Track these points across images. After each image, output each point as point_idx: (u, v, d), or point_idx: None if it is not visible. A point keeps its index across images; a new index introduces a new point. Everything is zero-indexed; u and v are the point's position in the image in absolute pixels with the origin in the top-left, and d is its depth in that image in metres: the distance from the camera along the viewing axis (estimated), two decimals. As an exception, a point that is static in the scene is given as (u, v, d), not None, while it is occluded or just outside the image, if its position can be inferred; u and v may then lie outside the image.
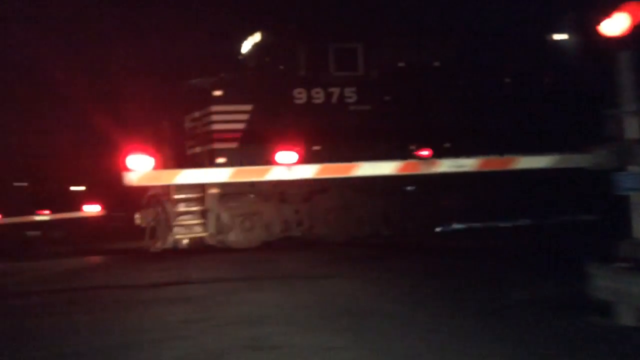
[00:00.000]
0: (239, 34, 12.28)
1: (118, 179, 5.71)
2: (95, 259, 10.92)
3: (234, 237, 10.66)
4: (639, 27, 4.41)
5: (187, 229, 10.53)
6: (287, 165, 5.52)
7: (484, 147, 6.33)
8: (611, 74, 4.68)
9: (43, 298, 6.65)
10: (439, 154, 8.58)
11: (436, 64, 11.68)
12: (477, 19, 12.32)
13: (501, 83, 12.05)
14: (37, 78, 17.20)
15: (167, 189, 10.26)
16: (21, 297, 6.70)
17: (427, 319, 4.92)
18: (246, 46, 12.08)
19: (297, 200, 10.95)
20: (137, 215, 11.01)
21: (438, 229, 11.72)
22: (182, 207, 10.48)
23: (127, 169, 5.45)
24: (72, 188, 19.60)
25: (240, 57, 12.32)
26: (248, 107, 10.74)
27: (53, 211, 15.81)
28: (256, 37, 11.68)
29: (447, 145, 10.77)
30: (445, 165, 5.54)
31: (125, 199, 12.88)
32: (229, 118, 10.75)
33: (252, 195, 10.85)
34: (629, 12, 4.42)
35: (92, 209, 16.03)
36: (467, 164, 5.63)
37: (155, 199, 10.77)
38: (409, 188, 11.23)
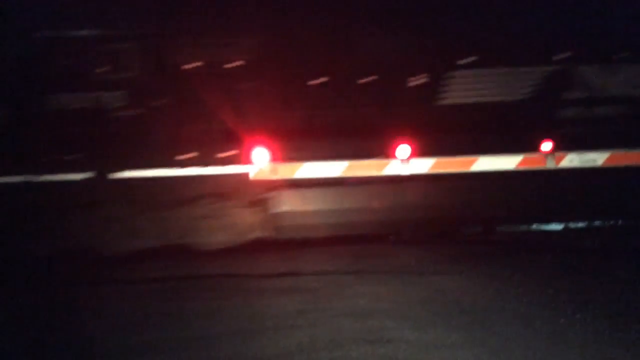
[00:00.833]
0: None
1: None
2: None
3: None
4: None
5: None
6: (404, 160, 5.48)
7: None
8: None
9: (166, 284, 7.07)
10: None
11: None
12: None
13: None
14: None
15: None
16: (147, 283, 7.16)
17: (549, 319, 4.72)
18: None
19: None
20: None
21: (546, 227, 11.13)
22: None
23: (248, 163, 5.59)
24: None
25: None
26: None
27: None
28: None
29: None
30: (573, 161, 5.25)
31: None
32: None
33: None
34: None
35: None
36: (596, 158, 5.31)
37: None
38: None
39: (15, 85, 8.56)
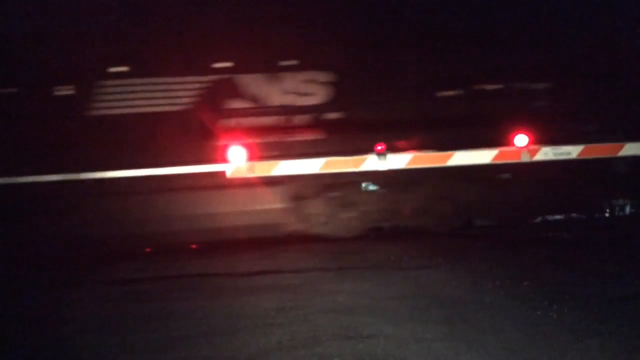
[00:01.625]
0: None
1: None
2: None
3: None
4: None
5: None
6: (381, 155, 5.51)
7: None
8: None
9: (142, 285, 7.00)
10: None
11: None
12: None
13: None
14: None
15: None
16: (123, 284, 7.08)
17: (526, 312, 4.77)
18: None
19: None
20: None
21: (537, 220, 11.29)
22: None
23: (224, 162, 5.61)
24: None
25: None
26: None
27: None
28: None
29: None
30: (547, 153, 5.33)
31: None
32: None
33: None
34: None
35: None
36: (570, 150, 5.38)
37: None
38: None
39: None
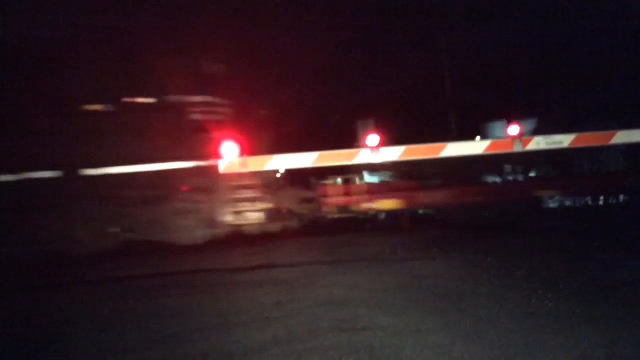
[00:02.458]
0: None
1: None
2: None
3: None
4: None
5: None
6: (373, 148, 5.51)
7: None
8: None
9: (140, 282, 6.98)
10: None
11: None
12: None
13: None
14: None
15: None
16: (117, 282, 7.06)
17: (520, 300, 4.79)
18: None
19: None
20: None
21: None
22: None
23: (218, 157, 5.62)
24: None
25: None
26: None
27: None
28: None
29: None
30: (539, 143, 5.34)
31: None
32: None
33: None
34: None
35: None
36: (562, 140, 5.40)
37: None
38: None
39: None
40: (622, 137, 5.64)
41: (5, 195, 9.18)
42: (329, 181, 11.86)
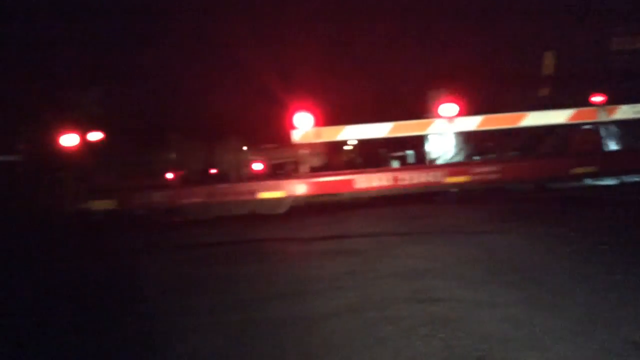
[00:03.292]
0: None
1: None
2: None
3: None
4: None
5: None
6: (449, 118, 5.37)
7: None
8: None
9: (213, 249, 7.20)
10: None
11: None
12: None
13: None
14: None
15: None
16: (195, 248, 7.30)
17: (604, 276, 4.60)
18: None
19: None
20: None
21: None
22: None
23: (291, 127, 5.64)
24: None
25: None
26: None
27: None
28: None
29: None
30: (625, 112, 5.06)
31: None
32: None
33: None
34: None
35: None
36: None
37: None
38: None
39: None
40: None
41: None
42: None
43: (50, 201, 8.71)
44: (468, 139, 8.62)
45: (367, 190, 8.37)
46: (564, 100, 7.42)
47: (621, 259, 5.05)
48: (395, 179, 8.52)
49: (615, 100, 7.62)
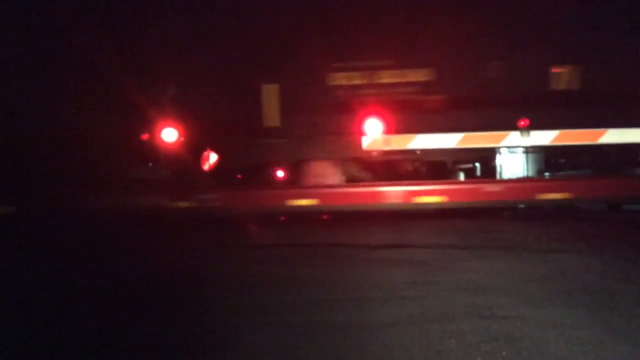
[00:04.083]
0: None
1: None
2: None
3: None
4: None
5: None
6: (523, 130, 5.25)
7: None
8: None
9: (278, 250, 7.30)
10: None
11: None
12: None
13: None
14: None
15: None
16: (261, 248, 7.44)
17: (681, 305, 4.37)
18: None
19: None
20: None
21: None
22: None
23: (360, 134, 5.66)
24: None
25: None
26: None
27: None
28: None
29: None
30: None
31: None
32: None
33: None
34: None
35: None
36: None
37: None
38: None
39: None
40: None
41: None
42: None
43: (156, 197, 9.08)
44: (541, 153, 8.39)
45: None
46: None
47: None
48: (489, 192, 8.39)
49: None
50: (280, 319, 4.33)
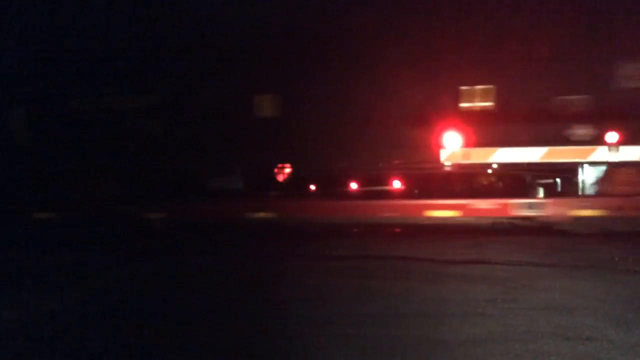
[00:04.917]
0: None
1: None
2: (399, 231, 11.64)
3: None
4: None
5: None
6: (613, 145, 5.05)
7: None
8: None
9: (351, 262, 7.33)
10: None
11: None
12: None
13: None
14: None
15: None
16: (331, 260, 7.48)
17: None
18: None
19: None
20: None
21: None
22: None
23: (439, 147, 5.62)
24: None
25: None
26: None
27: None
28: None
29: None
30: None
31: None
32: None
33: None
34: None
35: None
36: None
37: None
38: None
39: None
40: None
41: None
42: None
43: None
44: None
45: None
46: None
47: None
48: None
49: None
50: (354, 331, 4.35)
